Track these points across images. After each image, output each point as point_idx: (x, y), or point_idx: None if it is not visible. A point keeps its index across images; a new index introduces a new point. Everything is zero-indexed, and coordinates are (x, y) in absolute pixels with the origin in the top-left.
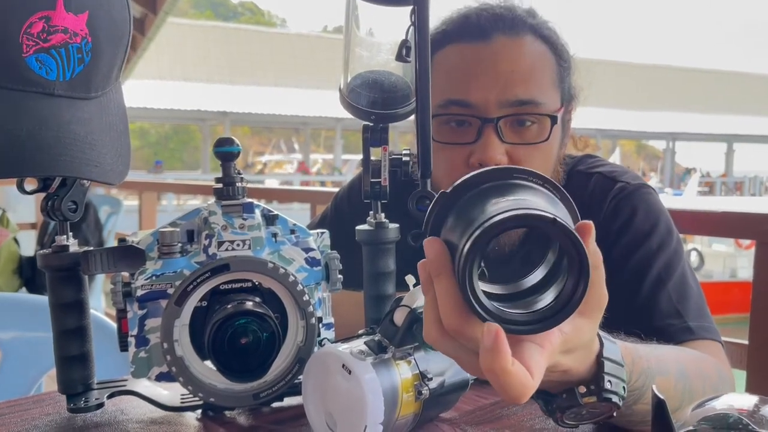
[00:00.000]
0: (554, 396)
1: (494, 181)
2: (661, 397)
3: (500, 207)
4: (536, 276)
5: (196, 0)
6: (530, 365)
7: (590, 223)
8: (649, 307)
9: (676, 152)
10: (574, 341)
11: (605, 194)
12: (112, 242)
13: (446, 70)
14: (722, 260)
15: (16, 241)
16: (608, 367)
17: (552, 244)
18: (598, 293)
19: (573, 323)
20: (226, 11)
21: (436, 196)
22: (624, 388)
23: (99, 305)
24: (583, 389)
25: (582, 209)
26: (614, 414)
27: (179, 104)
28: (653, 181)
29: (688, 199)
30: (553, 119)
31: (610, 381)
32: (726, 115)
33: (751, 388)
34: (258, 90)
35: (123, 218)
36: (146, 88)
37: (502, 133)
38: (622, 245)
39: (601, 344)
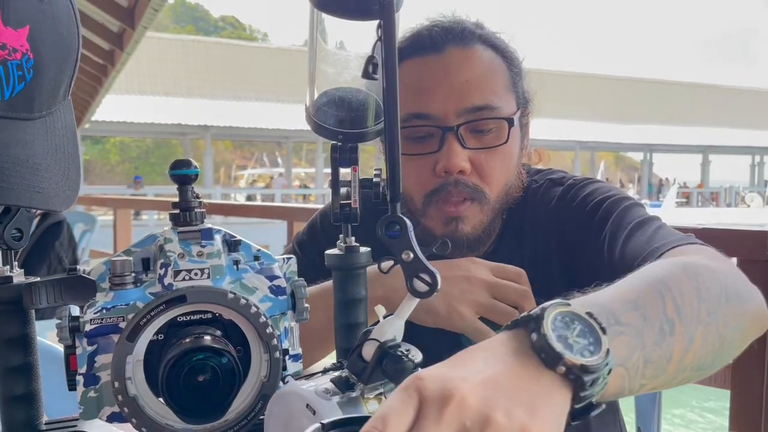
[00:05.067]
0: None
1: None
2: None
3: None
4: None
5: (176, 14)
6: None
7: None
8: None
9: (653, 163)
10: None
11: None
12: (86, 259)
13: (403, 84)
14: None
15: None
16: None
17: None
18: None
19: None
20: (206, 25)
21: None
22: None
23: None
24: None
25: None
26: None
27: (160, 118)
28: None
29: (668, 210)
30: (510, 122)
31: None
32: (702, 126)
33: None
34: (239, 104)
35: (99, 235)
36: (126, 103)
37: (463, 139)
38: (582, 215)
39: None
